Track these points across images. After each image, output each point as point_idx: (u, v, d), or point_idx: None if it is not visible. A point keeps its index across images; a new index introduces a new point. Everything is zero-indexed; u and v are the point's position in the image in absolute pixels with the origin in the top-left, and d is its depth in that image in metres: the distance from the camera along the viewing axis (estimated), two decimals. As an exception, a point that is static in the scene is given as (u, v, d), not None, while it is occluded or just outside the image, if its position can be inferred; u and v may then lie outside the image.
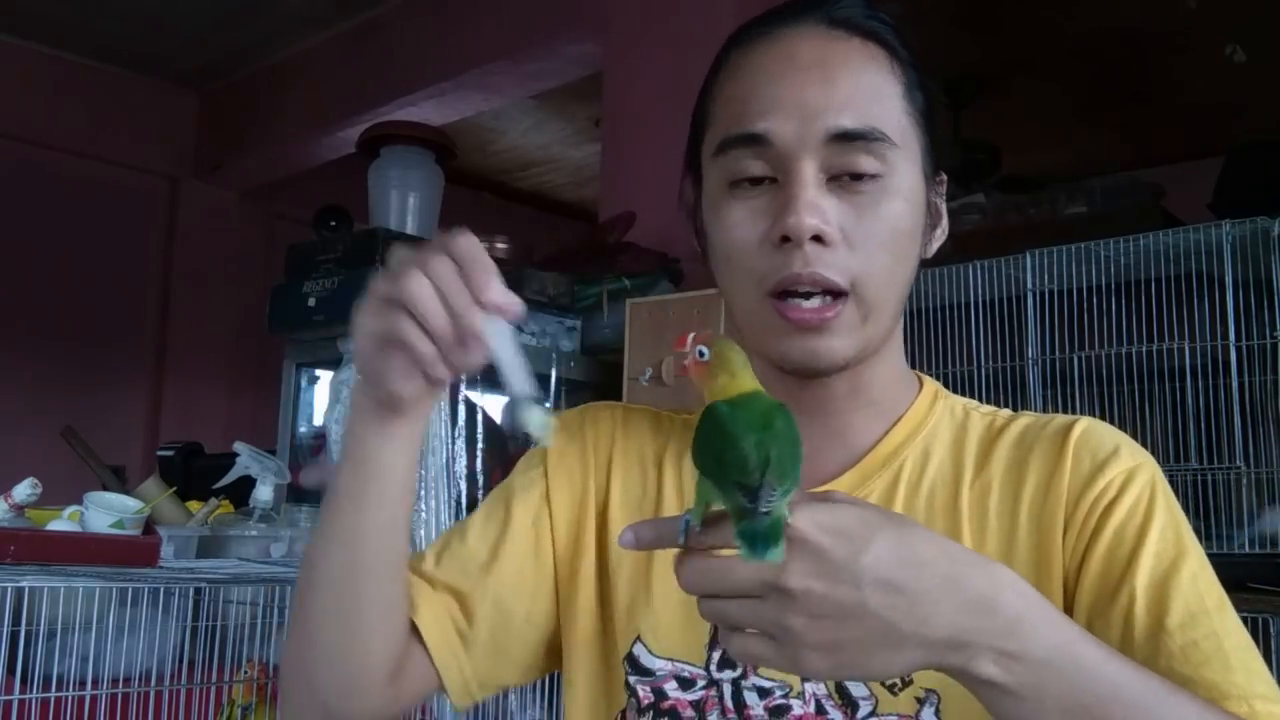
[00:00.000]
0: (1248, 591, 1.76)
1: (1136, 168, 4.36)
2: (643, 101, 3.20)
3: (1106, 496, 0.79)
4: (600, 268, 2.81)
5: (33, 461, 2.44)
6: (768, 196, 0.80)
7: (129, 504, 2.02)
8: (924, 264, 0.87)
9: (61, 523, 1.95)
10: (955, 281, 2.20)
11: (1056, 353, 2.18)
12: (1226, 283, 1.97)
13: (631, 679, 0.85)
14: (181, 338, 5.38)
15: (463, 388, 2.44)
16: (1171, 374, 2.08)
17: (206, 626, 2.03)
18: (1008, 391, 2.16)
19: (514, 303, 0.70)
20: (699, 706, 0.82)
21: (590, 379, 2.76)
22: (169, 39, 4.90)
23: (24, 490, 1.97)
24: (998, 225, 3.00)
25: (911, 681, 0.79)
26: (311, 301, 2.97)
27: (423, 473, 2.31)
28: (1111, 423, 0.85)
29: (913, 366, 0.92)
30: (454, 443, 2.39)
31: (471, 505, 2.29)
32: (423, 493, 2.25)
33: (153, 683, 1.86)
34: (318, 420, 2.95)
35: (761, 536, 0.58)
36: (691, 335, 0.69)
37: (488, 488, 2.35)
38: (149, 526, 2.04)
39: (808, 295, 0.79)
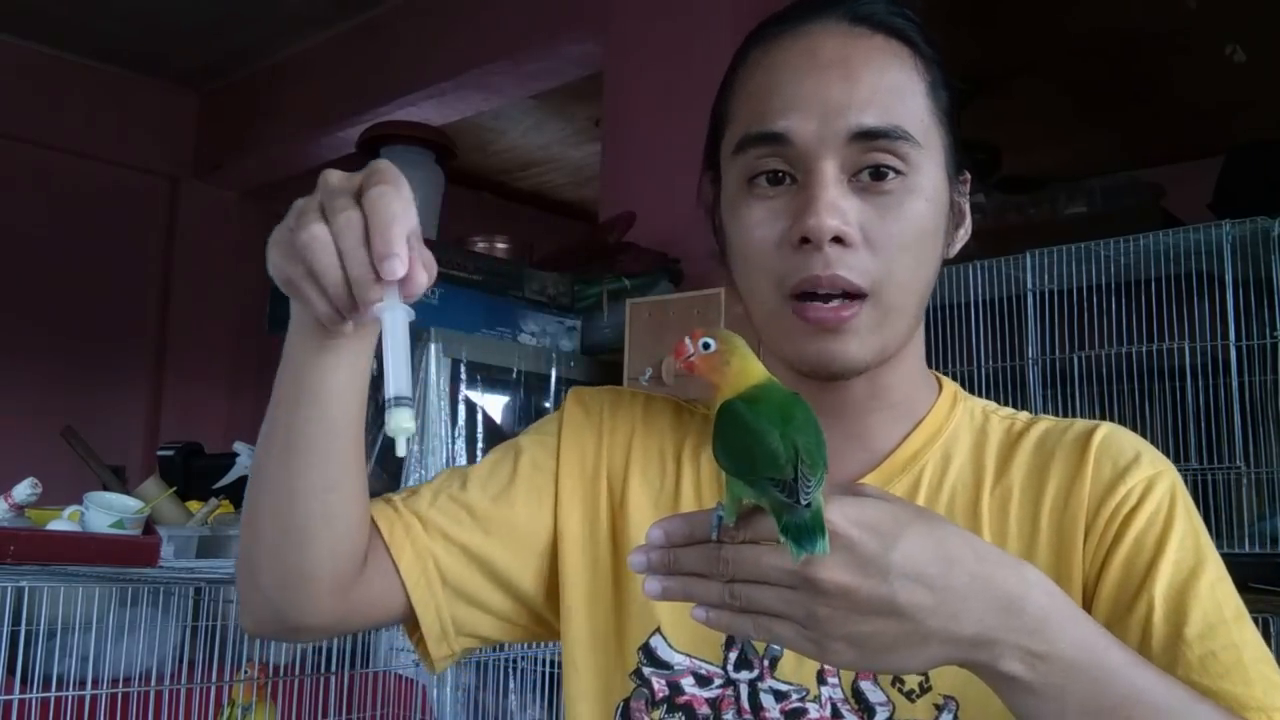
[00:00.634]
0: (1248, 591, 1.74)
1: (1136, 168, 4.35)
2: (643, 101, 3.20)
3: (1127, 504, 0.79)
4: (600, 268, 2.81)
5: (33, 461, 2.44)
6: (788, 196, 0.79)
7: (129, 504, 2.02)
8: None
9: (61, 523, 1.95)
10: (955, 281, 2.20)
11: (1056, 353, 2.18)
12: (1226, 283, 1.97)
13: (646, 670, 0.84)
14: (181, 338, 5.38)
15: (463, 388, 2.44)
16: (1171, 374, 2.08)
17: (206, 626, 2.03)
18: (1008, 391, 2.17)
19: (418, 275, 0.66)
20: (715, 705, 0.82)
21: (590, 379, 2.75)
22: (169, 39, 4.90)
23: (24, 490, 1.97)
24: (998, 225, 3.00)
25: (930, 688, 0.78)
26: (311, 301, 2.97)
27: (422, 473, 2.31)
28: (1111, 423, 0.85)
29: None
30: (454, 443, 2.39)
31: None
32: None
33: (153, 683, 1.86)
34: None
35: (807, 530, 0.58)
36: (687, 338, 0.69)
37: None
38: (149, 526, 2.04)
39: (827, 298, 0.77)
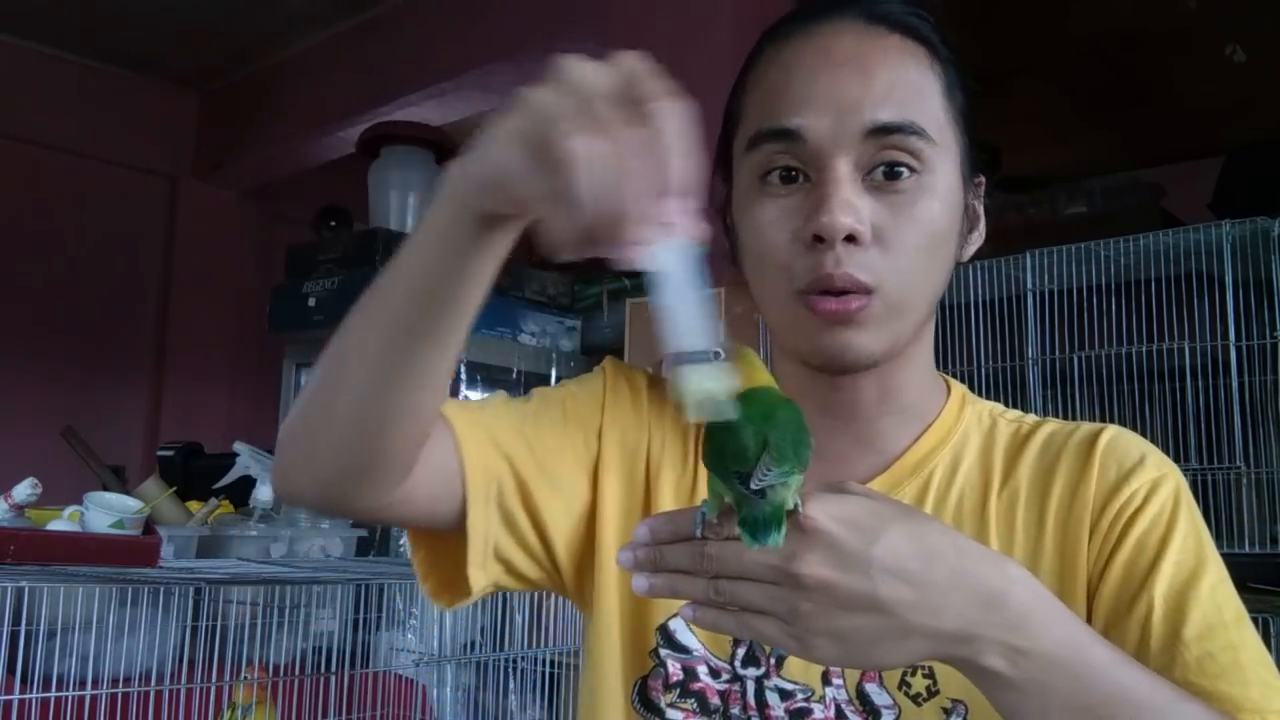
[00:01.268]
0: (1248, 591, 1.76)
1: (1136, 168, 4.36)
2: (642, 101, 3.19)
3: (1131, 506, 0.79)
4: (600, 268, 2.81)
5: (33, 461, 2.43)
6: (801, 194, 0.78)
7: (129, 504, 2.02)
8: None
9: (61, 523, 1.95)
10: (955, 281, 2.18)
11: (1056, 353, 2.18)
12: (1226, 283, 1.97)
13: (663, 651, 0.84)
14: (181, 338, 5.37)
15: (463, 387, 2.44)
16: (1171, 374, 2.08)
17: (206, 626, 2.03)
18: (1008, 391, 2.17)
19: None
20: (724, 697, 0.82)
21: (590, 379, 2.76)
22: (169, 39, 4.90)
23: (24, 490, 1.97)
24: (998, 225, 2.99)
25: (938, 692, 0.78)
26: (311, 302, 2.97)
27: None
28: (1111, 423, 0.86)
29: None
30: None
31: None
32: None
33: (153, 683, 1.86)
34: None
35: (761, 523, 0.59)
36: None
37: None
38: (149, 526, 2.04)
39: (839, 294, 0.77)
